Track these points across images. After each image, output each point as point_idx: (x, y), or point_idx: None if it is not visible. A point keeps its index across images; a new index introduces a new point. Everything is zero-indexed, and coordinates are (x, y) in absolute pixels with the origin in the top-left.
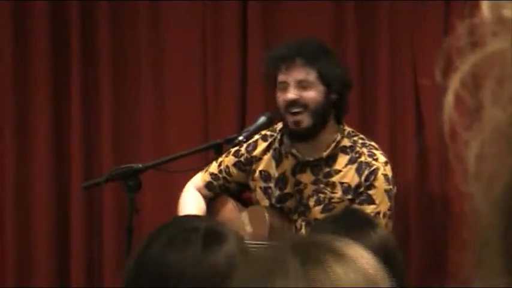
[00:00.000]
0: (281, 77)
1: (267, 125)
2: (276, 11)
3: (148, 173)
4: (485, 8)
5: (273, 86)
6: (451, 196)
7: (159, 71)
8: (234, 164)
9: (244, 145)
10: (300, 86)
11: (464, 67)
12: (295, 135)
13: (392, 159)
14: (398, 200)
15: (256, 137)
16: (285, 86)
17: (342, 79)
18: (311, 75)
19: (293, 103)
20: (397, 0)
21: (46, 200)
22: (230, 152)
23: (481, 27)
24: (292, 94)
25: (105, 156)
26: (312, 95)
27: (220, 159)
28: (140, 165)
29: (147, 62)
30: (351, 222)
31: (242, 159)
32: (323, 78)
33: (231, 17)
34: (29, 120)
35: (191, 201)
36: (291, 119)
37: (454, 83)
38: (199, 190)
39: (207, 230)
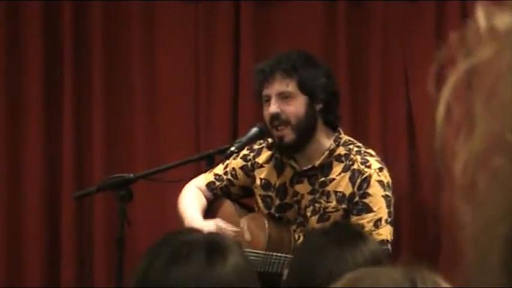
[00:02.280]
0: (265, 91)
1: (259, 136)
2: (268, 18)
3: (140, 183)
4: (479, 16)
5: (259, 101)
6: (443, 207)
7: (151, 82)
8: (241, 168)
9: (252, 150)
10: (281, 98)
11: (455, 76)
12: (282, 149)
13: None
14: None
15: (263, 144)
16: (268, 100)
17: (325, 87)
18: (291, 86)
19: (275, 117)
20: (390, 1)
21: (37, 210)
22: (238, 155)
23: (473, 37)
24: (273, 107)
25: (97, 166)
26: (293, 109)
27: (226, 162)
28: (132, 175)
29: (139, 73)
30: (343, 235)
31: (249, 164)
32: (303, 87)
33: (223, 25)
34: (20, 129)
35: (193, 200)
36: (275, 133)
37: (445, 93)
38: (200, 190)
39: (208, 243)
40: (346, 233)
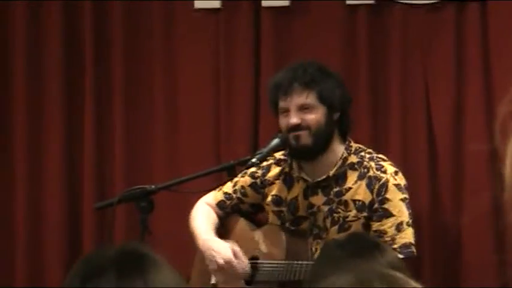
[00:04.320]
0: (282, 104)
1: (281, 147)
2: (288, 26)
3: (161, 194)
4: None
5: (275, 112)
6: (464, 223)
7: (172, 92)
8: (250, 185)
9: (260, 168)
10: (301, 110)
11: None
12: (296, 153)
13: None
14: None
15: (271, 161)
16: (286, 112)
17: (342, 97)
18: (310, 98)
19: (296, 127)
20: (409, 8)
21: (58, 221)
22: (246, 172)
23: None
24: (294, 119)
25: (118, 177)
26: (314, 117)
27: (235, 179)
28: (153, 187)
29: (159, 83)
30: (359, 247)
31: (258, 181)
32: (323, 99)
33: (244, 33)
34: (41, 141)
35: (205, 218)
36: (292, 136)
37: (511, 146)
38: (211, 208)
39: (119, 255)
40: (362, 245)
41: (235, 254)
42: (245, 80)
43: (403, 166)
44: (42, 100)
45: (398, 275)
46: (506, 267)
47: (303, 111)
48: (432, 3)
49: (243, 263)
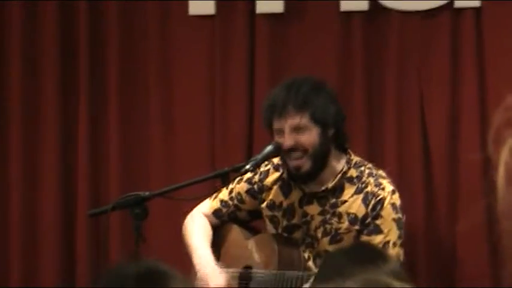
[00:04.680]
0: (276, 124)
1: (274, 154)
2: (284, 33)
3: (156, 200)
4: None
5: (270, 132)
6: (459, 232)
7: (167, 99)
8: (247, 191)
9: (257, 173)
10: (295, 131)
11: None
12: (297, 179)
13: (400, 191)
14: (406, 237)
15: (269, 166)
16: (280, 132)
17: (335, 115)
18: (304, 119)
19: (291, 150)
20: (406, 16)
21: (52, 227)
22: (242, 179)
23: None
24: (288, 141)
25: (113, 182)
26: (308, 138)
27: (231, 186)
28: (147, 193)
29: (155, 89)
30: (362, 255)
31: (255, 187)
32: (316, 119)
33: (239, 40)
34: (36, 146)
35: (198, 228)
36: (291, 164)
37: (504, 154)
38: (206, 217)
39: (140, 273)
40: (365, 253)
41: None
42: (240, 86)
43: (398, 173)
44: (37, 102)
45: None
46: (501, 276)
47: (297, 132)
48: (427, 10)
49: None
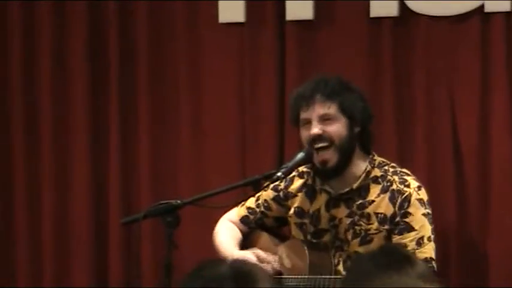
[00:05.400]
0: (303, 115)
1: (306, 160)
2: (313, 40)
3: (187, 208)
4: None
5: (296, 125)
6: (491, 237)
7: (197, 106)
8: (273, 199)
9: (283, 180)
10: (323, 121)
11: None
12: (323, 174)
13: (431, 197)
14: (438, 237)
15: (294, 173)
16: (307, 123)
17: (363, 111)
18: (332, 109)
19: (318, 138)
20: (434, 20)
21: (85, 236)
22: (269, 186)
23: None
24: (315, 129)
25: (144, 192)
26: (336, 128)
27: (258, 194)
28: (179, 201)
29: (185, 98)
30: (390, 259)
31: (281, 194)
32: (345, 110)
33: (269, 47)
34: (68, 157)
35: (228, 234)
36: (317, 158)
37: None
38: (234, 224)
39: (236, 274)
40: (393, 257)
41: (259, 259)
42: (270, 94)
43: (429, 178)
44: (68, 121)
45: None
46: None
47: (324, 122)
48: (456, 15)
49: (269, 265)
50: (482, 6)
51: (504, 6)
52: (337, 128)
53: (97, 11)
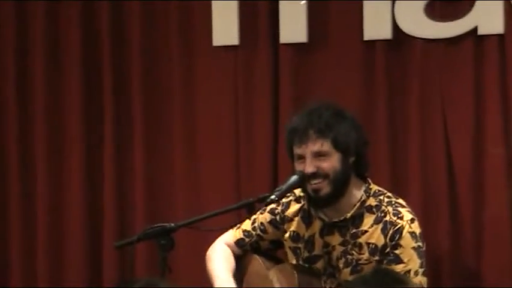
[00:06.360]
0: (297, 150)
1: (299, 184)
2: (307, 62)
3: (181, 231)
4: None
5: (291, 157)
6: (485, 263)
7: (191, 129)
8: (270, 222)
9: (280, 204)
10: (316, 157)
11: None
12: (316, 203)
13: (425, 219)
14: (430, 270)
15: (290, 197)
16: (301, 158)
17: (357, 141)
18: (326, 146)
19: (312, 176)
20: (428, 43)
21: (79, 259)
22: (265, 209)
23: None
24: (310, 167)
25: (138, 214)
26: (330, 164)
27: (254, 217)
28: (173, 224)
29: (179, 120)
30: (383, 282)
31: (277, 217)
32: (338, 146)
33: (263, 70)
34: (62, 179)
35: (220, 257)
36: (310, 187)
37: None
38: (229, 247)
39: None
40: (386, 280)
41: None
42: (264, 116)
43: (423, 200)
44: (63, 140)
45: None
46: None
47: (318, 158)
48: (450, 38)
49: None
50: (475, 29)
51: (497, 29)
52: (331, 163)
53: (91, 47)
